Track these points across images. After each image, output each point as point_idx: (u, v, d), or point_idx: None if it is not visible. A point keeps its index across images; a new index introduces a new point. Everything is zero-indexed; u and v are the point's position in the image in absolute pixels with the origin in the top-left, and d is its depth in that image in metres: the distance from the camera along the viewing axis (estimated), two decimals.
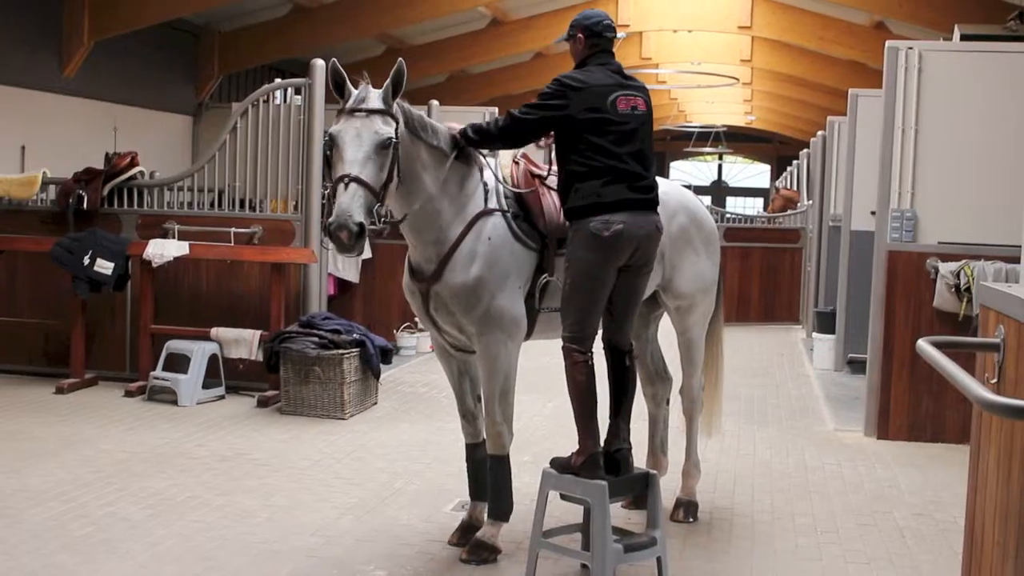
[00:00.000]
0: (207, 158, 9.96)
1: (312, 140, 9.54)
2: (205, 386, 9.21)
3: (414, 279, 5.65)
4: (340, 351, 8.80)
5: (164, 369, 9.29)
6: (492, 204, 5.63)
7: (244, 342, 9.24)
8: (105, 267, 9.33)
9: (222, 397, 9.33)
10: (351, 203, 4.88)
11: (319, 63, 9.54)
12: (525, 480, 6.71)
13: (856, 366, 11.51)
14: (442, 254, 5.49)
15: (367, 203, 4.93)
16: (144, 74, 15.04)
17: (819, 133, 15.28)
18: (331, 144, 5.08)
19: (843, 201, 12.41)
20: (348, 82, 5.18)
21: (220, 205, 9.96)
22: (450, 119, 13.99)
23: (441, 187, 5.48)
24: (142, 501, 6.40)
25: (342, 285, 12.25)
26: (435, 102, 13.70)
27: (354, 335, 9.00)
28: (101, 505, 6.31)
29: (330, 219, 4.92)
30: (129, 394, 9.34)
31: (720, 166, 50.45)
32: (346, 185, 4.93)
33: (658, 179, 5.81)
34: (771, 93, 30.28)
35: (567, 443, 8.10)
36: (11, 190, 10.22)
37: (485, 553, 5.60)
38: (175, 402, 9.05)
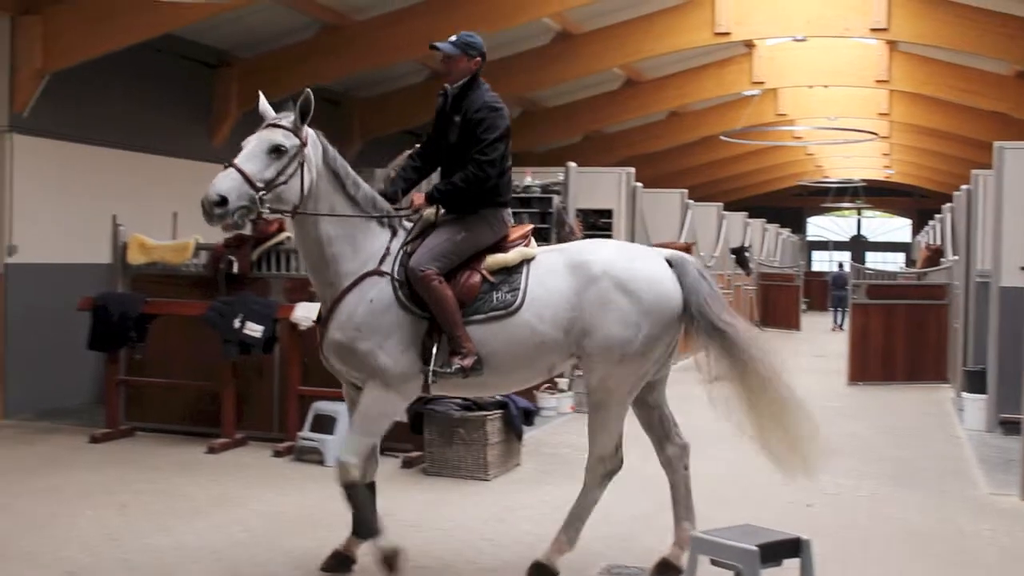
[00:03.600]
0: None
1: None
2: None
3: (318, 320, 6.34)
4: (483, 413, 8.86)
5: (311, 430, 9.46)
6: (386, 268, 6.06)
7: None
8: (255, 330, 9.57)
9: None
10: (219, 179, 5.58)
11: None
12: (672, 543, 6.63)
13: (1009, 427, 11.13)
14: (333, 297, 6.04)
15: (239, 188, 5.58)
16: None
17: (963, 187, 14.93)
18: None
19: (991, 256, 12.10)
20: (267, 106, 6.02)
21: None
22: (586, 180, 14.18)
23: (345, 235, 6.02)
24: (292, 561, 6.52)
25: None
26: (572, 164, 13.83)
27: (496, 397, 9.05)
28: (252, 565, 6.44)
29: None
30: (278, 454, 9.53)
31: (859, 221, 49.61)
32: (225, 168, 5.66)
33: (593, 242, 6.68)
34: (910, 146, 29.79)
35: (711, 505, 8.02)
36: (165, 256, 10.61)
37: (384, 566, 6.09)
38: (322, 462, 9.19)
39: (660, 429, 6.82)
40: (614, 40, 17.14)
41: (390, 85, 17.35)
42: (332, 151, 6.11)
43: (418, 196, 6.25)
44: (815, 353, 21.55)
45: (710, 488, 8.73)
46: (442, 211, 6.23)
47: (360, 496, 6.14)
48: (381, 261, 6.05)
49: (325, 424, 9.41)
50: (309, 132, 5.92)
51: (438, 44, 6.36)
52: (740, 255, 24.25)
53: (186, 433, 10.30)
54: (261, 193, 5.65)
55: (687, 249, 17.92)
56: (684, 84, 20.97)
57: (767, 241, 30.66)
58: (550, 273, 6.19)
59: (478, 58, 6.38)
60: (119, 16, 10.99)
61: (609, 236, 15.06)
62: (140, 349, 10.37)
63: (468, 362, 5.94)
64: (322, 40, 14.40)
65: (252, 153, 5.72)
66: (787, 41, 19.05)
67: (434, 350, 5.99)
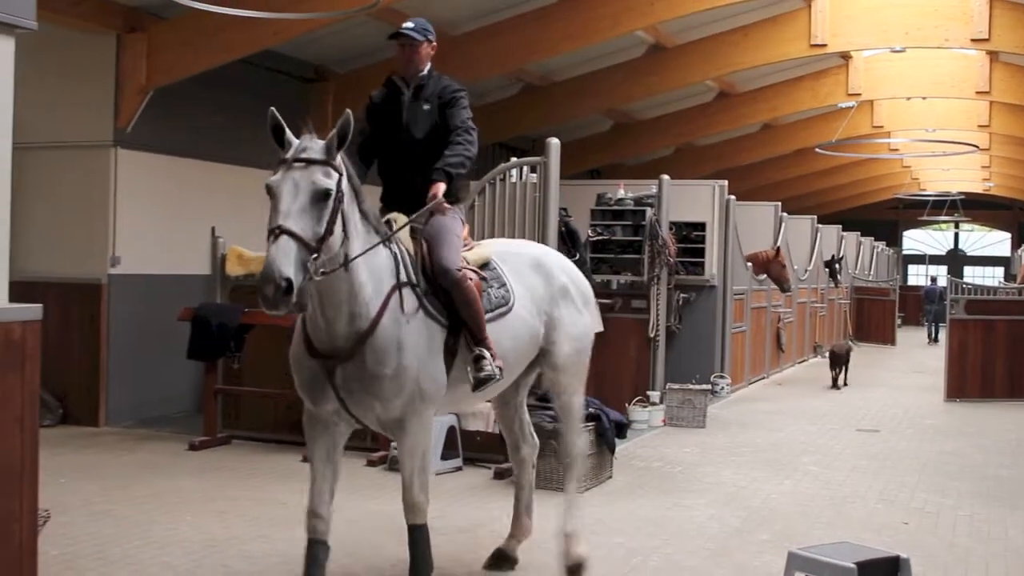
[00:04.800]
0: None
1: (548, 216, 9.73)
2: (443, 457, 9.38)
3: (312, 353, 5.28)
4: None
5: None
6: (403, 277, 5.43)
7: (481, 415, 9.42)
8: None
9: (459, 468, 9.50)
10: (277, 256, 4.57)
11: (553, 142, 9.77)
12: (766, 559, 6.59)
13: None
14: (359, 331, 5.17)
15: (298, 257, 4.62)
16: None
17: None
18: (269, 195, 4.81)
19: None
20: (288, 131, 4.95)
21: None
22: (679, 193, 14.10)
23: (364, 256, 5.18)
24: (387, 571, 6.57)
25: None
26: (666, 177, 13.78)
27: (589, 409, 9.04)
28: (345, 574, 6.49)
29: (258, 275, 4.67)
30: (371, 464, 9.61)
31: (956, 235, 48.66)
32: (276, 237, 4.64)
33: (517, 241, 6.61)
34: (1011, 159, 29.22)
35: (806, 521, 7.94)
36: (258, 268, 10.77)
37: None
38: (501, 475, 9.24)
39: (519, 430, 6.83)
40: (708, 52, 17.06)
41: (483, 99, 17.44)
42: (352, 164, 5.31)
43: (434, 186, 5.71)
44: (912, 369, 21.22)
45: (802, 504, 8.67)
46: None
47: (426, 535, 5.64)
48: (396, 271, 5.39)
49: None
50: (344, 161, 5.08)
51: (404, 29, 6.09)
52: (831, 267, 24.00)
53: (281, 442, 10.44)
54: (314, 256, 4.72)
55: (776, 254, 17.80)
56: (778, 96, 20.78)
57: (862, 255, 30.22)
58: (516, 268, 6.15)
59: (434, 43, 6.22)
60: (220, 33, 11.20)
61: (702, 249, 15.00)
62: (238, 359, 10.53)
63: (500, 362, 5.60)
64: None
65: (299, 207, 4.73)
66: (884, 52, 18.80)
67: (458, 358, 5.59)
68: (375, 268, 5.23)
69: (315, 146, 4.91)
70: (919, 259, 48.17)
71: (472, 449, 9.67)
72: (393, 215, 5.66)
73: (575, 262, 11.53)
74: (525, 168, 10.47)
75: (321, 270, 4.81)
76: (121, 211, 11.51)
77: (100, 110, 11.48)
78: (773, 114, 21.86)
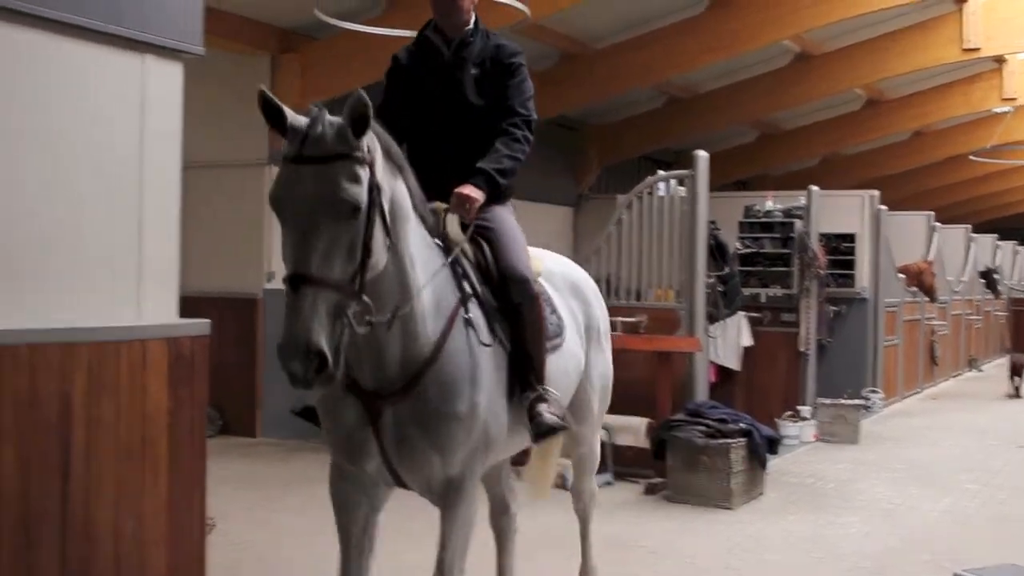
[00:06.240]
0: (593, 249, 10.30)
1: (696, 230, 9.68)
2: None
3: (352, 391, 3.96)
4: (727, 440, 8.78)
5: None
6: (468, 291, 4.19)
7: (632, 429, 9.40)
8: None
9: (610, 483, 9.47)
10: (300, 319, 3.34)
11: (702, 155, 9.72)
12: None
13: None
14: (418, 357, 3.88)
15: (331, 312, 3.36)
16: (528, 168, 15.72)
17: None
18: (275, 212, 3.48)
19: None
20: (288, 112, 3.52)
21: (608, 295, 10.22)
22: (827, 204, 13.88)
23: (420, 260, 3.92)
24: None
25: (723, 373, 12.24)
26: (815, 187, 13.58)
27: (740, 424, 8.97)
28: None
29: (279, 342, 3.41)
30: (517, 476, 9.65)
31: None
32: (295, 288, 3.36)
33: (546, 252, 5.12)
34: None
35: (967, 541, 7.72)
36: None
37: None
38: (563, 486, 9.27)
39: (505, 488, 5.72)
40: (855, 60, 16.72)
41: (627, 111, 17.42)
42: (386, 136, 3.79)
43: (470, 189, 4.35)
44: None
45: (962, 523, 8.47)
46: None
47: None
48: (459, 283, 4.15)
49: (566, 449, 9.48)
50: (370, 143, 3.58)
51: None
52: (989, 278, 23.32)
53: None
54: (354, 303, 3.45)
55: (927, 266, 17.39)
56: (929, 102, 20.26)
57: (1018, 265, 29.26)
58: (558, 289, 4.99)
59: None
60: (371, 51, 11.41)
61: (852, 261, 14.75)
62: None
63: (558, 409, 4.40)
64: (562, 68, 14.60)
65: (321, 238, 3.38)
66: None
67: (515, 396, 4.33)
68: (431, 273, 3.97)
69: (330, 131, 3.46)
70: None
71: (622, 464, 9.65)
72: (436, 205, 4.30)
73: (725, 276, 11.56)
74: (672, 181, 10.43)
75: (368, 318, 3.54)
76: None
77: (255, 130, 11.76)
78: (924, 121, 21.30)
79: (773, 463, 10.17)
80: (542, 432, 4.28)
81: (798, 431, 12.08)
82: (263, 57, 11.71)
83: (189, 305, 5.04)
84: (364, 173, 3.45)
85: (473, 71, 4.60)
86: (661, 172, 10.53)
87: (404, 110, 4.64)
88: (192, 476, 4.83)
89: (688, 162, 9.93)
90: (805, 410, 12.48)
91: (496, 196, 4.48)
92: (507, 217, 4.60)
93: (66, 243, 4.35)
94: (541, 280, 4.69)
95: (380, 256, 3.55)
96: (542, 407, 4.28)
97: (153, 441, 4.57)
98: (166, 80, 4.73)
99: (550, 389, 4.35)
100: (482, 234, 4.44)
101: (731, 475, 8.71)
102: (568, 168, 17.08)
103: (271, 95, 3.46)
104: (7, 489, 4.04)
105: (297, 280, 3.36)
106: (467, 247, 4.30)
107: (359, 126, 3.45)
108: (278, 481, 9.48)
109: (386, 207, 3.58)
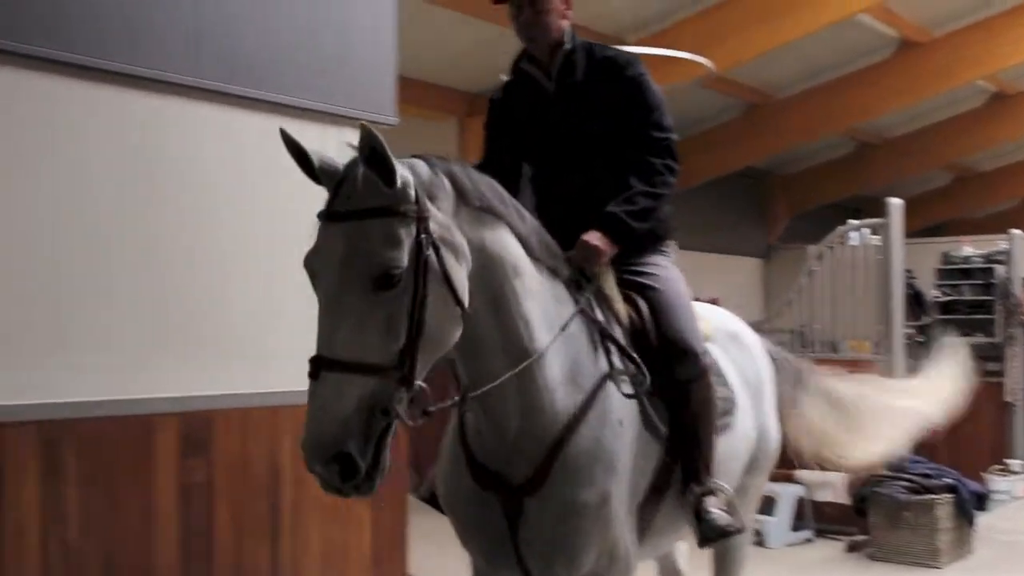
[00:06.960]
0: (785, 301, 10.15)
1: (890, 280, 9.44)
2: (793, 528, 9.19)
3: (478, 479, 3.39)
4: (932, 496, 8.48)
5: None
6: (617, 363, 3.41)
7: (831, 485, 9.17)
8: None
9: (810, 540, 9.25)
10: (322, 412, 2.65)
11: (896, 202, 9.50)
12: None
13: None
14: (545, 445, 3.22)
15: (364, 403, 2.66)
16: (717, 221, 15.69)
17: None
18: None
19: None
20: (318, 158, 2.86)
21: (802, 346, 10.04)
22: None
23: (540, 311, 3.22)
24: None
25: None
26: (1017, 231, 13.08)
27: (945, 479, 8.66)
28: None
29: (300, 436, 2.68)
30: None
31: None
32: (317, 375, 2.68)
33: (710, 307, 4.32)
34: None
35: None
36: None
37: None
38: (762, 543, 9.10)
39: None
40: None
41: (815, 159, 17.20)
42: (465, 177, 3.08)
43: (596, 238, 3.53)
44: None
45: None
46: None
47: None
48: (608, 354, 3.41)
49: (765, 505, 9.30)
50: (410, 179, 2.83)
51: None
52: None
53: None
54: (402, 391, 2.73)
55: None
56: None
57: None
58: (724, 348, 4.15)
59: None
60: None
61: None
62: None
63: (727, 505, 3.63)
64: (747, 119, 14.53)
65: (356, 318, 2.70)
66: None
67: (667, 496, 3.58)
68: (568, 337, 3.30)
69: (361, 180, 2.77)
70: None
71: (823, 520, 9.42)
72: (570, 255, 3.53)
73: (925, 327, 11.22)
74: (864, 230, 10.21)
75: (430, 408, 2.89)
76: None
77: None
78: None
79: (982, 520, 9.76)
80: (712, 536, 3.53)
81: (1009, 486, 11.55)
82: (451, 121, 12.01)
83: None
84: (407, 231, 2.76)
85: (584, 96, 3.75)
86: (853, 221, 10.31)
87: (512, 154, 3.88)
88: (394, 533, 4.95)
89: (879, 209, 9.72)
90: (1015, 464, 11.94)
91: (634, 241, 3.63)
92: (671, 271, 3.83)
93: (271, 312, 4.57)
94: (709, 345, 3.88)
95: (444, 329, 2.87)
96: (710, 503, 3.53)
97: (355, 500, 4.72)
98: None
99: (720, 483, 3.63)
100: (640, 292, 3.68)
101: (937, 532, 8.40)
102: (756, 219, 16.94)
103: (291, 135, 2.83)
104: (222, 546, 4.22)
105: (322, 361, 2.69)
106: (620, 307, 3.57)
107: (381, 170, 2.74)
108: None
109: (452, 267, 2.87)
